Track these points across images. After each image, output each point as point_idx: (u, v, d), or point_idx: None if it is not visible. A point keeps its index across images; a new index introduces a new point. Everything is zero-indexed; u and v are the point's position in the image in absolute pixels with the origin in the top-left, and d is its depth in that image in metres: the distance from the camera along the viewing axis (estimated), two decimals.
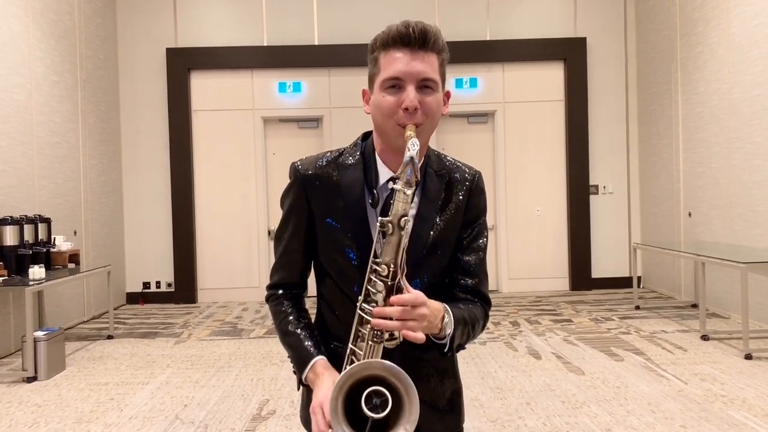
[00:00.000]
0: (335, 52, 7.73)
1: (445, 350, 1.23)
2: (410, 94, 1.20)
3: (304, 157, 1.38)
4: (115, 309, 7.04)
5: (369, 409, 1.04)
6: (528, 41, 7.84)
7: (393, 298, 1.10)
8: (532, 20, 7.92)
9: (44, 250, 5.23)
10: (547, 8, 7.95)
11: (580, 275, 7.86)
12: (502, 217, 7.87)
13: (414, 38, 1.21)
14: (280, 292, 1.39)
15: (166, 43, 7.80)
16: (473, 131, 8.04)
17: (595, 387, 4.14)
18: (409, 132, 1.17)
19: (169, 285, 7.85)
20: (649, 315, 6.30)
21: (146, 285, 7.88)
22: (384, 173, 1.30)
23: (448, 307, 1.22)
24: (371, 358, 1.13)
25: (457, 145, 7.92)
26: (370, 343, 1.13)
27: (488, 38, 7.86)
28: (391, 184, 1.12)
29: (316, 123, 7.96)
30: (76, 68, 6.65)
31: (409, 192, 1.10)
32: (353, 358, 1.17)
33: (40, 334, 4.65)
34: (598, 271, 7.89)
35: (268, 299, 1.42)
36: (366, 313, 1.13)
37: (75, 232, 6.48)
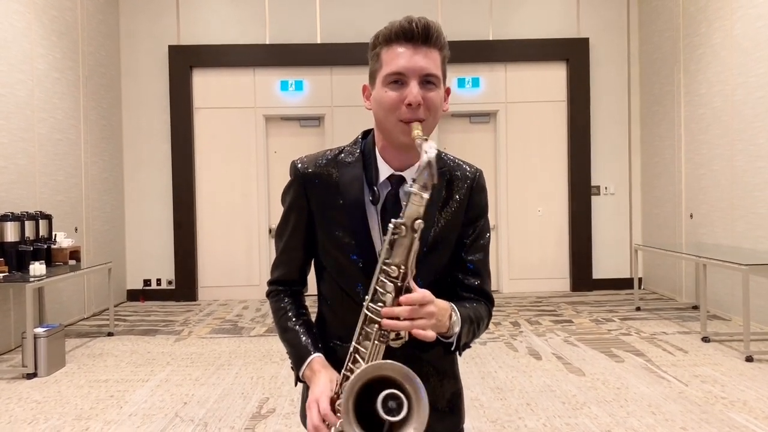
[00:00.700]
0: (337, 51, 7.72)
1: (452, 348, 1.24)
2: (413, 89, 1.20)
3: (304, 155, 1.38)
4: (115, 306, 7.04)
5: (384, 412, 1.04)
6: (530, 41, 7.83)
7: (402, 298, 1.10)
8: (534, 20, 7.91)
9: (45, 246, 5.23)
10: (549, 8, 7.94)
11: (581, 276, 7.85)
12: (503, 217, 7.86)
13: (417, 33, 1.21)
14: (281, 288, 1.40)
15: (169, 41, 7.80)
16: (475, 131, 8.03)
17: (596, 388, 4.14)
18: (417, 131, 1.16)
19: (170, 282, 7.85)
20: (649, 316, 6.30)
21: (147, 282, 7.88)
22: (384, 170, 1.30)
23: (454, 306, 1.22)
24: (375, 357, 1.13)
25: (459, 145, 7.91)
26: (375, 342, 1.13)
27: (491, 38, 7.85)
28: (406, 187, 1.11)
29: (318, 121, 7.95)
30: (78, 65, 6.65)
31: (426, 195, 1.09)
32: (356, 356, 1.16)
33: (40, 330, 4.65)
34: (599, 272, 7.89)
35: (268, 295, 1.42)
36: (373, 313, 1.13)
37: (76, 229, 6.47)
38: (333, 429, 1.12)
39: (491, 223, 7.76)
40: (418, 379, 1.06)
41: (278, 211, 1.42)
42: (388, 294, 1.11)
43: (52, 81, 6.11)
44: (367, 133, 1.37)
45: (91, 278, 6.81)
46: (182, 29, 7.84)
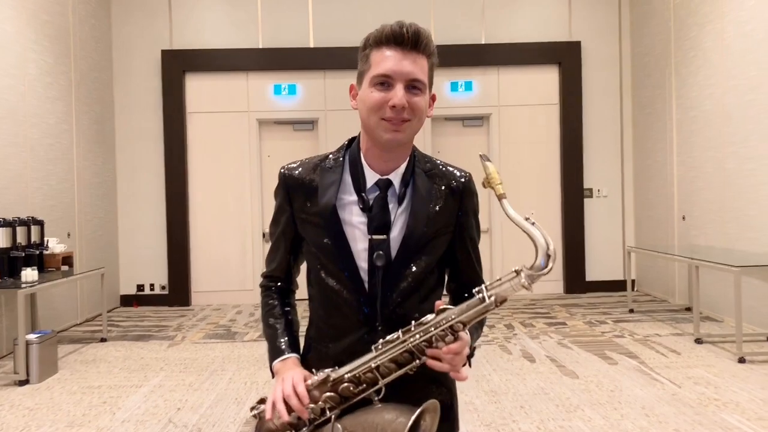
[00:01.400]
0: (330, 55, 7.73)
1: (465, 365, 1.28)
2: (399, 92, 1.23)
3: (293, 161, 1.42)
4: (108, 311, 7.01)
5: None
6: (523, 45, 7.85)
7: (450, 347, 1.15)
8: (527, 24, 7.94)
9: (37, 252, 5.20)
10: (542, 12, 7.97)
11: (575, 278, 7.87)
12: (496, 220, 7.87)
13: (407, 38, 1.24)
14: (271, 284, 1.46)
15: (161, 45, 7.78)
16: (468, 134, 8.05)
17: (590, 391, 4.14)
18: (499, 189, 1.23)
19: (163, 287, 7.83)
20: (643, 318, 6.32)
21: (140, 287, 7.85)
22: (370, 176, 1.33)
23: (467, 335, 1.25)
24: (391, 378, 1.19)
25: (452, 148, 7.93)
26: (406, 370, 1.18)
27: (483, 42, 7.87)
28: (515, 276, 1.15)
29: (312, 125, 7.95)
30: (70, 69, 6.63)
31: (525, 287, 1.15)
32: (376, 372, 1.19)
33: (32, 337, 4.62)
34: (592, 274, 7.90)
35: (260, 287, 1.48)
36: (415, 348, 1.17)
37: (69, 235, 6.45)
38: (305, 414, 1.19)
39: (485, 226, 7.73)
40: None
41: (272, 215, 1.47)
42: (439, 337, 1.16)
43: (43, 86, 6.09)
44: (353, 140, 1.39)
45: (84, 284, 6.78)
46: (175, 34, 7.83)
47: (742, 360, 4.67)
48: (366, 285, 1.29)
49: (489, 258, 7.89)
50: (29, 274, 4.72)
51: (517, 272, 1.14)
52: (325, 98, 7.82)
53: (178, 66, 7.75)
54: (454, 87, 7.87)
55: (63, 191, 6.41)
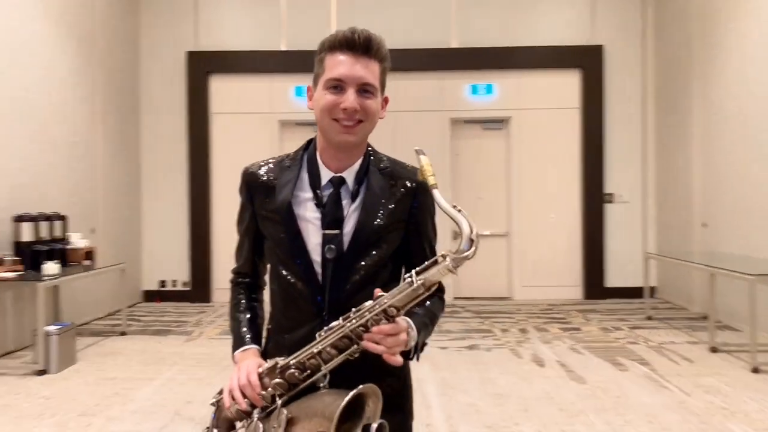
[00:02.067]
0: None
1: (409, 358, 1.33)
2: (350, 96, 1.30)
3: (258, 160, 1.49)
4: (131, 306, 7.17)
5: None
6: (544, 48, 7.81)
7: (381, 328, 1.19)
8: (548, 27, 7.90)
9: (59, 247, 5.37)
10: (564, 15, 7.92)
11: (594, 284, 7.79)
12: (515, 224, 7.84)
13: (358, 44, 1.31)
14: (239, 280, 1.54)
15: (187, 47, 7.95)
16: (488, 137, 8.04)
17: (595, 396, 4.12)
18: (431, 180, 1.23)
19: (185, 284, 7.98)
20: (660, 325, 6.23)
21: (163, 283, 8.01)
22: (325, 174, 1.39)
23: (410, 321, 1.29)
24: (333, 363, 1.24)
25: (472, 151, 7.94)
26: (346, 355, 1.23)
27: (505, 45, 7.84)
28: (442, 260, 1.18)
29: None
30: (96, 70, 6.81)
31: (453, 269, 1.17)
32: (320, 357, 1.24)
33: (52, 328, 4.77)
34: (612, 280, 7.82)
35: (230, 282, 1.57)
36: (354, 333, 1.22)
37: (93, 230, 6.62)
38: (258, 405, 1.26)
39: (504, 229, 7.66)
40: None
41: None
42: (375, 321, 1.20)
43: (69, 86, 6.27)
44: (312, 141, 1.46)
45: (106, 278, 6.94)
46: (200, 36, 7.98)
47: (756, 370, 4.59)
48: (319, 278, 1.35)
49: (507, 261, 7.86)
50: (50, 267, 4.88)
51: (444, 257, 1.18)
52: None
53: (202, 67, 7.90)
54: (474, 90, 7.87)
55: (87, 189, 6.59)
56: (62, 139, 6.11)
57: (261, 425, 1.23)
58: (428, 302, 1.38)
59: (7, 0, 5.36)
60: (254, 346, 1.41)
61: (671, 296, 7.54)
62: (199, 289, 7.92)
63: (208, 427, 1.39)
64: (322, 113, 1.33)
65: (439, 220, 1.43)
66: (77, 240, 5.62)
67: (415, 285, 1.18)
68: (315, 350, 1.23)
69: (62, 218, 5.59)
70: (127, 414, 3.86)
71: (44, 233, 5.29)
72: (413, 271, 1.20)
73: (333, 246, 1.34)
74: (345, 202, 1.37)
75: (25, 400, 4.12)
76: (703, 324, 6.24)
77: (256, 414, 1.25)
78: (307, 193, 1.38)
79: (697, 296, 6.89)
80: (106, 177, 6.99)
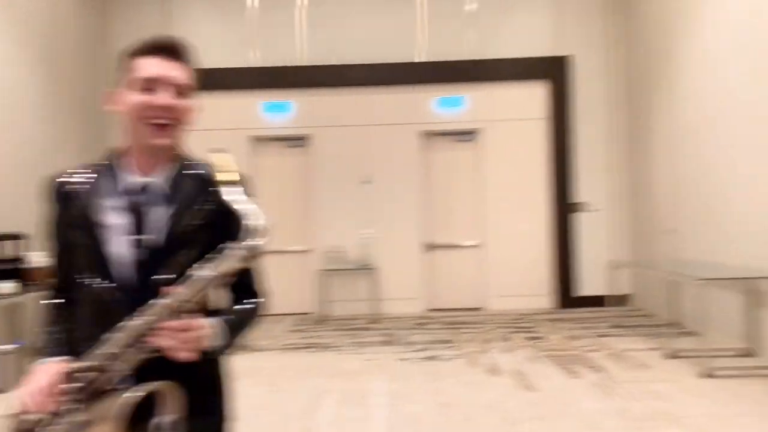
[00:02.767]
0: (322, 73, 7.86)
1: (211, 356, 1.33)
2: (164, 94, 1.33)
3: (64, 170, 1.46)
4: None
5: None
6: (513, 60, 7.87)
7: (170, 324, 1.22)
8: (516, 39, 7.96)
9: (18, 266, 5.39)
10: (531, 27, 7.99)
11: (565, 293, 7.79)
12: (487, 235, 7.86)
13: (169, 47, 1.37)
14: (53, 292, 1.49)
15: None
16: (458, 149, 8.07)
17: (541, 404, 4.11)
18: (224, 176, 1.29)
19: None
20: (625, 333, 6.21)
21: None
22: (129, 177, 1.39)
23: (213, 321, 1.32)
24: (133, 362, 1.25)
25: (443, 163, 7.97)
26: (139, 354, 1.24)
27: (473, 57, 7.89)
28: (233, 250, 1.23)
29: (304, 142, 8.07)
30: (61, 89, 6.87)
31: (245, 260, 1.23)
32: (116, 358, 1.24)
33: (7, 347, 4.78)
34: (583, 288, 7.81)
35: (45, 297, 1.51)
36: (143, 330, 1.23)
37: None
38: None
39: (476, 240, 7.64)
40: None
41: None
42: (169, 318, 1.23)
43: (36, 106, 6.32)
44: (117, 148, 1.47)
45: None
46: None
47: (708, 375, 4.57)
48: (129, 284, 1.34)
49: (480, 272, 7.87)
50: (4, 286, 4.90)
51: (232, 248, 1.21)
52: (318, 115, 7.94)
53: None
54: (445, 102, 7.92)
55: None
56: (27, 160, 6.15)
57: (59, 430, 1.24)
58: (240, 306, 1.42)
59: None
60: (58, 358, 1.37)
61: (644, 304, 7.51)
62: None
63: None
64: (133, 114, 1.34)
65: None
66: (37, 259, 5.63)
67: (204, 276, 1.21)
68: (112, 351, 1.24)
69: (21, 237, 5.61)
70: None
71: (1, 252, 5.31)
72: (203, 265, 1.23)
73: (141, 251, 1.34)
74: (154, 206, 1.37)
75: None
76: (669, 330, 6.23)
77: (53, 419, 1.26)
78: (112, 200, 1.37)
79: (667, 303, 6.87)
80: None
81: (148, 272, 1.34)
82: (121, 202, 1.37)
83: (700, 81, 5.98)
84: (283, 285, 6.34)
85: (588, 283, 7.81)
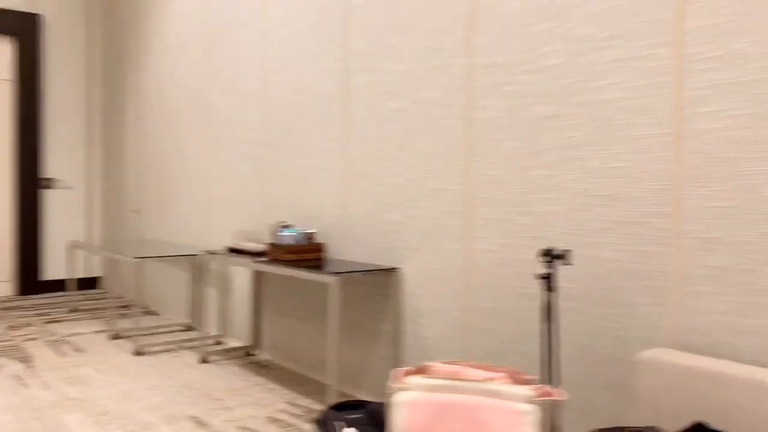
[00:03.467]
0: None
1: None
2: None
3: None
4: None
5: None
6: None
7: None
8: None
9: None
10: None
11: (30, 278, 7.05)
12: None
13: None
14: None
15: None
16: None
17: None
18: None
19: None
20: (82, 317, 5.90)
21: None
22: None
23: None
24: None
25: None
26: None
27: None
28: None
29: None
30: None
31: None
32: None
33: None
34: (50, 272, 7.20)
35: None
36: None
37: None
38: None
39: None
40: None
41: None
42: None
43: None
44: None
45: None
46: None
47: (138, 353, 4.62)
48: None
49: None
50: None
51: None
52: None
53: None
54: None
55: None
56: None
57: None
58: None
59: None
60: None
61: (114, 286, 7.33)
62: None
63: None
64: None
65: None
66: None
67: None
68: None
69: None
70: None
71: None
72: None
73: None
74: None
75: None
76: (133, 312, 6.18)
77: None
78: None
79: (135, 285, 6.84)
80: None
81: None
82: None
83: (163, 67, 6.08)
84: None
85: (56, 267, 7.23)
